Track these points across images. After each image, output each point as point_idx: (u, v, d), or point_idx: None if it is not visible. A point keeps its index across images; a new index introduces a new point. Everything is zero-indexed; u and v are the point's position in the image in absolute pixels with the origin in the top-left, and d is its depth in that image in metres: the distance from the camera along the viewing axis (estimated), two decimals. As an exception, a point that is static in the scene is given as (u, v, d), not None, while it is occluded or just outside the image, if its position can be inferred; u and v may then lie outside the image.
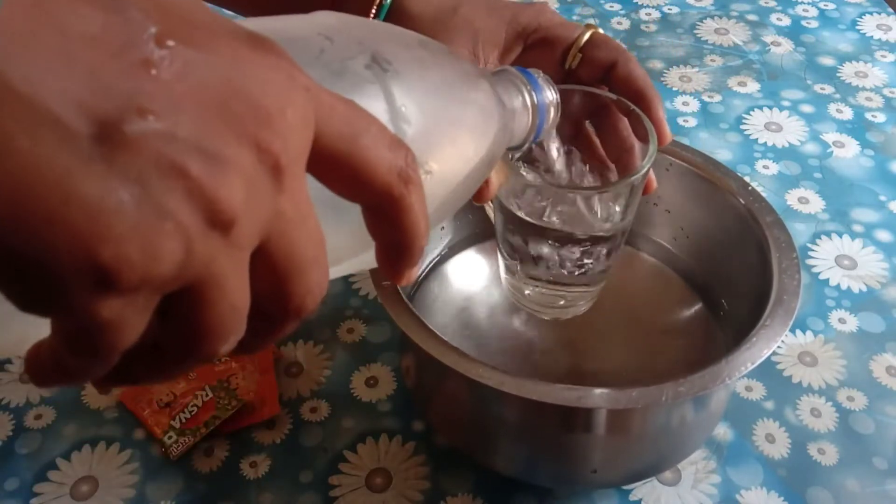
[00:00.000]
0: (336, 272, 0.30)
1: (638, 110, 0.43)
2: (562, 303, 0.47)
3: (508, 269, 0.47)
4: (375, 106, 0.27)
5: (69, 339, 0.20)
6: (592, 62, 0.45)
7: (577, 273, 0.45)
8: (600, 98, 0.44)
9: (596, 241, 0.43)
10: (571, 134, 0.45)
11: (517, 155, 0.42)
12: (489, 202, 0.49)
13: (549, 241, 0.43)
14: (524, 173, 0.41)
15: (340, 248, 0.28)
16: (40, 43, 0.18)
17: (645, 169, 0.41)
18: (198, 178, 0.19)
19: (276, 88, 0.21)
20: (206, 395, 0.53)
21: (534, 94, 0.36)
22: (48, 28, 0.18)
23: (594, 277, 0.46)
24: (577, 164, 0.44)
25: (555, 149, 0.43)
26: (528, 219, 0.42)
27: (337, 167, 0.23)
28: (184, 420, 0.52)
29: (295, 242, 0.21)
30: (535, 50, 0.45)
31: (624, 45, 0.46)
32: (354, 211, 0.24)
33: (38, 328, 0.20)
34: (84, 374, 0.21)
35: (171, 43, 0.19)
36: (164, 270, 0.18)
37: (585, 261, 0.44)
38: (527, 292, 0.47)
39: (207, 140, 0.19)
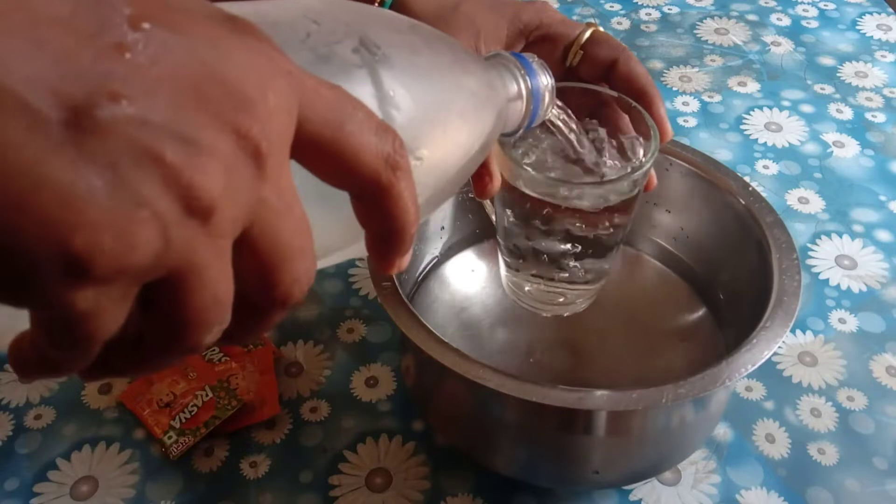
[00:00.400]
0: (327, 261, 0.30)
1: (639, 107, 0.43)
2: (561, 300, 0.47)
3: (509, 266, 0.47)
4: (363, 91, 0.27)
5: (47, 330, 0.19)
6: (593, 60, 0.45)
7: (577, 270, 0.45)
8: (601, 95, 0.44)
9: (597, 236, 0.43)
10: None
11: (519, 147, 0.42)
12: (489, 200, 0.49)
13: (551, 236, 0.43)
14: (527, 167, 0.41)
15: (331, 235, 0.28)
16: (9, 26, 0.17)
17: (647, 165, 0.41)
18: (173, 165, 0.18)
19: (257, 73, 0.20)
20: (206, 395, 0.53)
21: (528, 78, 0.36)
22: (18, 11, 0.17)
23: (594, 275, 0.46)
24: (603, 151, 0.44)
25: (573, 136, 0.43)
26: (537, 200, 0.42)
27: (322, 154, 0.22)
28: (184, 420, 0.52)
29: (279, 231, 0.21)
30: (537, 47, 0.46)
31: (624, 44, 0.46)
32: (344, 198, 0.24)
33: (22, 321, 0.20)
34: (66, 365, 0.20)
35: (146, 26, 0.19)
36: (140, 259, 0.18)
37: (586, 257, 0.44)
38: (527, 289, 0.47)
39: (183, 125, 0.18)
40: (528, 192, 0.41)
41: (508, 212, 0.44)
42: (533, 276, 0.46)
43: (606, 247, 0.44)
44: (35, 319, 0.20)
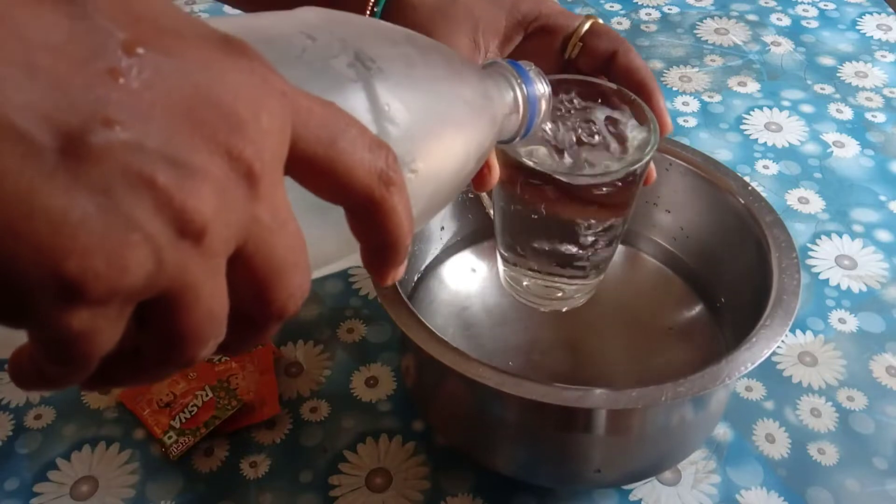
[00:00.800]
0: (324, 270, 0.30)
1: (639, 100, 0.43)
2: (559, 294, 0.47)
3: (506, 261, 0.47)
4: (358, 105, 0.27)
5: (44, 347, 0.20)
6: (593, 52, 0.45)
7: (575, 263, 0.45)
8: (601, 88, 0.44)
9: (595, 230, 0.43)
10: None
11: (518, 143, 0.42)
12: (486, 194, 0.49)
13: (548, 229, 0.43)
14: (525, 160, 0.40)
15: (327, 247, 0.28)
16: (2, 54, 0.17)
17: (647, 158, 0.41)
18: (165, 188, 0.18)
19: (249, 93, 0.20)
20: (206, 395, 0.53)
21: (524, 87, 0.36)
22: (11, 38, 0.18)
23: (592, 269, 0.46)
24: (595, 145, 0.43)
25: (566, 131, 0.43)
26: (535, 193, 0.42)
27: (315, 171, 0.22)
28: (184, 420, 0.52)
29: (273, 248, 0.21)
30: (535, 39, 0.45)
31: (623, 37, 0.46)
32: (339, 211, 0.24)
33: (21, 332, 0.20)
34: (64, 380, 0.21)
35: (139, 50, 0.19)
36: (132, 281, 0.18)
37: (584, 250, 0.44)
38: (525, 283, 0.47)
39: (176, 149, 0.19)
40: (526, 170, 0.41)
41: (506, 205, 0.44)
42: (531, 270, 0.46)
43: (604, 241, 0.44)
44: (32, 336, 0.20)
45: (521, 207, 0.43)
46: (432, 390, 0.51)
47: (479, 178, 0.40)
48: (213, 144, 0.19)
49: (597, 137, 0.43)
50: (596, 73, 0.45)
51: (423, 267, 0.57)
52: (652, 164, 0.44)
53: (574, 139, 0.42)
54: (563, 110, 0.43)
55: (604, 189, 0.41)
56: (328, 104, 0.23)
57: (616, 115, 0.43)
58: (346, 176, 0.23)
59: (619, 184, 0.41)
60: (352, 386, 0.55)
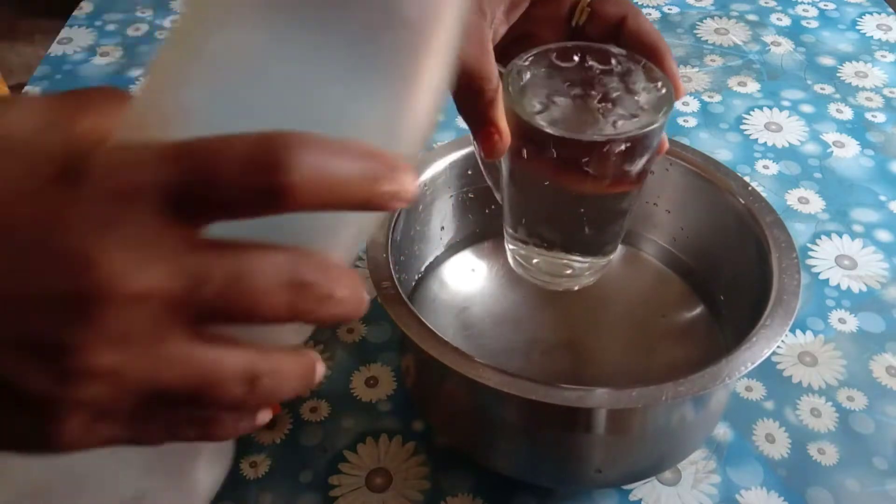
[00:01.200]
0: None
1: (650, 64, 0.42)
2: (569, 272, 0.47)
3: (516, 239, 0.47)
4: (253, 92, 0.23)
5: None
6: (601, 18, 0.44)
7: (586, 239, 0.44)
8: (611, 53, 0.43)
9: (607, 202, 0.43)
10: None
11: (530, 94, 0.41)
12: (491, 177, 0.48)
13: (561, 202, 0.42)
14: (539, 122, 0.40)
15: (352, 228, 0.27)
16: None
17: (660, 122, 0.40)
18: (36, 389, 0.20)
19: (83, 222, 0.19)
20: (206, 395, 0.53)
21: None
22: None
23: (603, 246, 0.45)
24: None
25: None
26: (546, 165, 0.41)
27: (229, 202, 0.21)
28: (184, 420, 0.52)
29: (227, 287, 0.21)
30: (542, 5, 0.44)
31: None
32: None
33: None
34: (221, 428, 0.24)
35: None
36: (77, 436, 0.21)
37: (595, 226, 0.44)
38: (535, 261, 0.47)
39: (32, 337, 0.19)
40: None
41: (517, 178, 0.43)
42: (540, 247, 0.46)
43: (615, 214, 0.43)
44: None
45: (532, 180, 0.42)
46: (432, 390, 0.51)
47: (490, 144, 0.39)
48: (67, 305, 0.19)
49: (610, 97, 0.42)
50: (605, 39, 0.44)
51: (424, 267, 0.57)
52: (664, 135, 0.43)
53: (587, 104, 0.41)
54: (575, 76, 0.42)
55: (619, 158, 0.40)
56: (186, 146, 0.20)
57: (628, 79, 0.43)
58: (235, 192, 0.20)
59: (635, 149, 0.40)
60: (352, 386, 0.55)
